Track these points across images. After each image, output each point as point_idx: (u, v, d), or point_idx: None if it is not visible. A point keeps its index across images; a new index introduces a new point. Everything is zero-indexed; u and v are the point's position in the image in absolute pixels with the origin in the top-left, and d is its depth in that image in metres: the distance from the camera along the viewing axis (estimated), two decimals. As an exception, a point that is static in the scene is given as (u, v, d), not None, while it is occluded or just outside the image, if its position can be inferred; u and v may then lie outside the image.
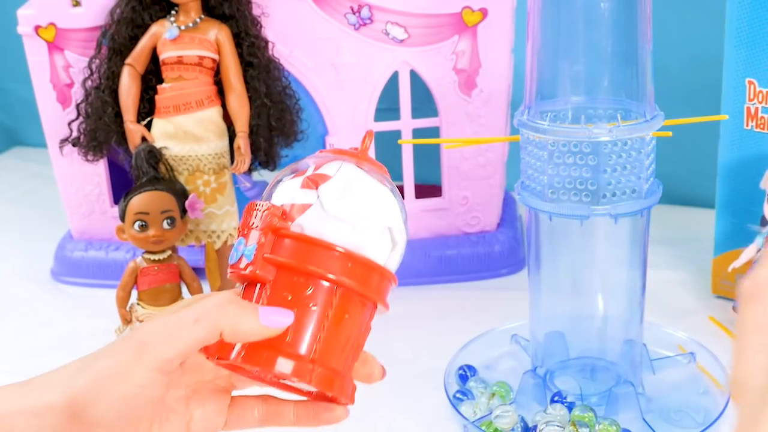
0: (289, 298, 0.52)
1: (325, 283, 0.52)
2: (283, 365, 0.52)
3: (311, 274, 0.52)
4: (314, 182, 0.53)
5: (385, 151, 1.14)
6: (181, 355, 0.52)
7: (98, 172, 1.21)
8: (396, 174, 1.19)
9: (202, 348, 0.53)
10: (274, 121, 1.08)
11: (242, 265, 0.52)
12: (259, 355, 0.52)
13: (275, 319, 0.52)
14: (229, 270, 0.54)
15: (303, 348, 0.53)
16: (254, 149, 1.07)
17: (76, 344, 1.06)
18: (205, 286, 1.11)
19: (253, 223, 0.53)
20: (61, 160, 1.20)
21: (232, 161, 1.07)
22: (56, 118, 1.17)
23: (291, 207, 0.53)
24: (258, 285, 0.53)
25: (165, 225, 0.99)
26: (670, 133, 0.85)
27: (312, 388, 0.54)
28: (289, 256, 0.52)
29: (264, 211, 0.53)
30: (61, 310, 1.18)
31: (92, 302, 1.18)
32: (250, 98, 1.06)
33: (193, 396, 0.58)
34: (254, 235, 0.53)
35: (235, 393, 0.60)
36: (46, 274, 1.26)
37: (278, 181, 0.56)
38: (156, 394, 0.53)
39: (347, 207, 0.53)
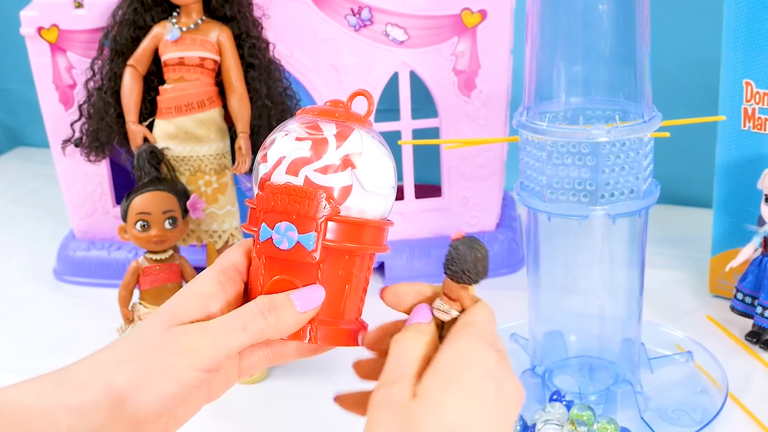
0: (340, 272, 0.57)
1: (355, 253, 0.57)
2: (359, 338, 0.58)
3: (357, 251, 0.57)
4: (350, 163, 0.55)
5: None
6: (228, 357, 0.55)
7: (100, 172, 1.21)
8: (396, 174, 1.20)
9: None
10: (274, 121, 1.08)
11: (303, 253, 0.55)
12: (336, 336, 0.57)
13: (311, 301, 0.56)
14: (263, 253, 0.55)
15: (353, 314, 0.59)
16: (255, 150, 1.07)
17: (78, 343, 1.07)
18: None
19: (304, 211, 0.55)
20: (63, 160, 1.20)
21: (233, 162, 1.07)
22: (59, 118, 1.17)
23: (329, 189, 0.55)
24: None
25: (167, 225, 0.99)
26: (668, 134, 0.85)
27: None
28: (344, 240, 0.56)
29: (319, 200, 0.55)
30: (64, 309, 1.18)
31: (94, 301, 1.18)
32: (251, 99, 1.06)
33: None
34: (309, 224, 0.55)
35: None
36: (48, 274, 1.26)
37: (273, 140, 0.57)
38: (198, 389, 0.55)
39: (379, 181, 0.57)
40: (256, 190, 0.57)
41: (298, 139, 0.56)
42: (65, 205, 1.24)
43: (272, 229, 0.55)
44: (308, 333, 0.56)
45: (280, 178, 0.55)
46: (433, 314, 0.56)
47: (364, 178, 0.56)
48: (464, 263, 0.55)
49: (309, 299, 0.56)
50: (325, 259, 0.56)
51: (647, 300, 0.91)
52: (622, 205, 0.82)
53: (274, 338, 0.56)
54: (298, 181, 0.55)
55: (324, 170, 0.55)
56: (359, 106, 0.58)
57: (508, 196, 1.32)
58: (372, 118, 0.59)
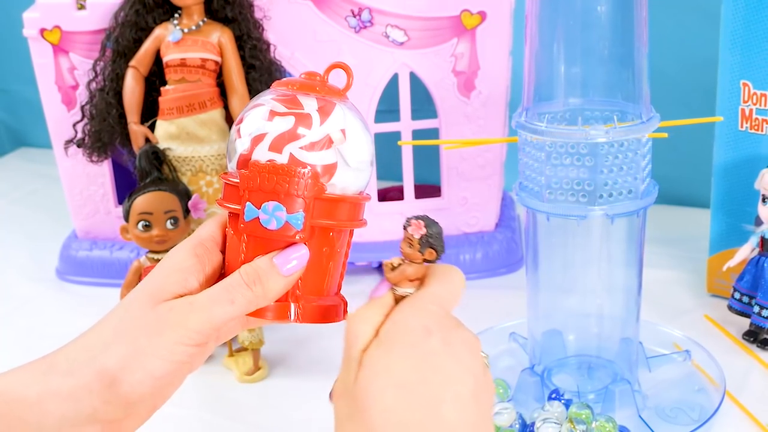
0: (325, 249, 0.56)
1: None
2: (341, 314, 0.58)
3: (342, 227, 0.56)
4: (335, 139, 0.54)
5: (386, 152, 1.14)
6: (216, 331, 0.54)
7: (102, 172, 1.21)
8: (396, 174, 1.20)
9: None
10: (275, 122, 1.07)
11: (291, 233, 0.54)
12: (319, 313, 0.57)
13: (294, 263, 0.54)
14: (244, 231, 0.54)
15: (334, 289, 0.58)
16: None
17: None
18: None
19: (293, 190, 0.54)
20: (65, 160, 1.20)
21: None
22: (61, 119, 1.18)
23: (314, 167, 0.54)
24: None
25: (168, 225, 0.99)
26: (665, 135, 0.85)
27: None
28: (329, 217, 0.55)
29: (306, 179, 0.54)
30: (66, 308, 1.18)
31: (97, 301, 1.18)
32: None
33: None
34: (297, 203, 0.54)
35: None
36: (51, 273, 1.27)
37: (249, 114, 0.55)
38: (189, 363, 0.54)
39: (362, 157, 0.56)
40: (232, 166, 0.56)
41: (279, 114, 0.54)
42: (67, 205, 1.24)
43: (259, 208, 0.54)
44: (294, 313, 0.56)
45: (262, 155, 0.54)
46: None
47: (348, 155, 0.55)
48: (441, 238, 0.55)
49: (293, 261, 0.55)
50: (311, 237, 0.55)
51: (645, 299, 0.91)
52: (621, 205, 0.82)
53: (262, 306, 0.55)
54: (283, 158, 0.53)
55: (309, 147, 0.54)
56: (336, 80, 0.57)
57: (507, 196, 1.32)
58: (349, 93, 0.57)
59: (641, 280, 0.89)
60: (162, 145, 1.05)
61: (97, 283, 1.22)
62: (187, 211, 1.02)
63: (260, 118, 0.54)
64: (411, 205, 1.19)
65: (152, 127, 1.07)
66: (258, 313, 0.56)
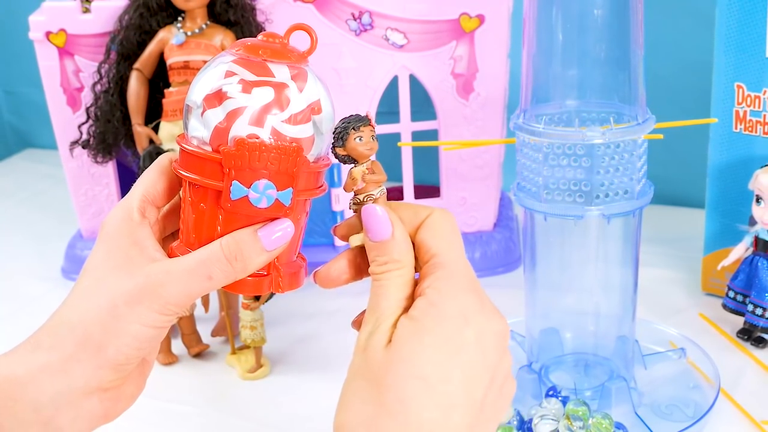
0: (300, 218, 0.54)
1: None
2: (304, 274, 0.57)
3: (315, 195, 0.54)
4: (313, 110, 0.52)
5: (386, 153, 1.14)
6: (192, 300, 0.53)
7: (107, 173, 1.21)
8: (396, 175, 1.20)
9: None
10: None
11: (280, 210, 0.52)
12: (292, 280, 0.55)
13: (278, 235, 0.52)
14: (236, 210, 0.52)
15: (294, 255, 0.56)
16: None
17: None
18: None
19: (283, 168, 0.51)
20: (71, 162, 1.20)
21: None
22: (66, 120, 1.17)
23: (297, 140, 0.52)
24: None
25: (172, 225, 0.99)
26: (661, 136, 0.85)
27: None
28: (308, 189, 0.53)
29: (296, 155, 0.52)
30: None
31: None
32: (254, 102, 1.06)
33: None
34: (286, 179, 0.52)
35: None
36: (56, 273, 1.26)
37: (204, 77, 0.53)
38: (164, 330, 0.53)
39: (330, 123, 0.54)
40: (200, 135, 0.52)
41: (256, 84, 0.51)
42: (72, 205, 1.24)
43: (249, 187, 0.51)
44: (274, 284, 0.54)
45: (242, 129, 0.51)
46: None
47: (321, 123, 0.53)
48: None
49: (278, 233, 0.53)
50: (294, 210, 0.53)
51: (641, 298, 0.91)
52: (617, 206, 0.82)
53: (239, 279, 0.53)
54: (265, 132, 0.51)
55: (292, 120, 0.51)
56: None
57: (506, 196, 1.32)
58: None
59: (637, 279, 0.89)
60: (165, 146, 1.05)
61: (101, 282, 1.22)
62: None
63: (230, 88, 0.51)
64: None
65: (156, 129, 1.07)
66: (234, 288, 0.54)
